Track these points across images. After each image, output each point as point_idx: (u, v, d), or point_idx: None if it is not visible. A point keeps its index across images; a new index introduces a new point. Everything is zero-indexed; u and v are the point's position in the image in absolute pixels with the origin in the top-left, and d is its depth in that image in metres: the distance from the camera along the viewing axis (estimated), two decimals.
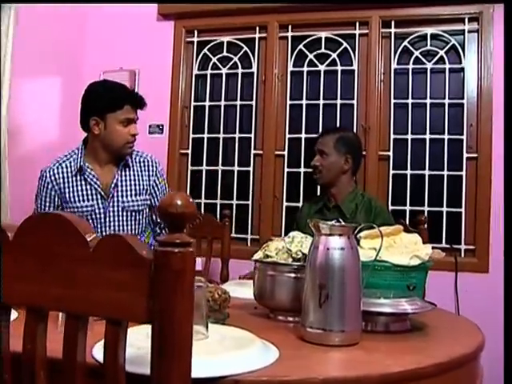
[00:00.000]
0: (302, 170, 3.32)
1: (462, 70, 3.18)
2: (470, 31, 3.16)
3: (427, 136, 3.20)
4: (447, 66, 3.20)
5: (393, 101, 3.27)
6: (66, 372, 0.84)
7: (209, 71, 3.58)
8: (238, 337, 1.13)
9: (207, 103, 3.57)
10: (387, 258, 1.64)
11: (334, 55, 3.38)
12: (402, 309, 1.39)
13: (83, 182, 2.19)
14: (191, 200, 0.78)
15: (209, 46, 3.58)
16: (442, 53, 3.21)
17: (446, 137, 3.16)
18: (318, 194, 2.98)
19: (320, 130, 3.31)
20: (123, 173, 2.23)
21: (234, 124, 3.51)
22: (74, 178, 2.20)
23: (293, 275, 1.47)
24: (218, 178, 3.52)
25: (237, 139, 3.50)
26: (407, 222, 3.00)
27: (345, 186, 2.48)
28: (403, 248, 1.67)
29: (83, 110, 2.21)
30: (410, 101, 3.24)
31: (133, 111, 2.18)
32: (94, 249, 0.80)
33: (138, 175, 2.24)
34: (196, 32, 3.60)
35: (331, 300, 1.22)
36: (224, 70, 3.56)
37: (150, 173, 2.26)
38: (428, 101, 3.21)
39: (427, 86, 3.22)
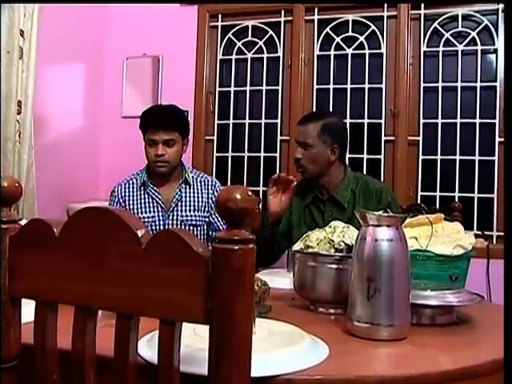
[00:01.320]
0: None
1: (495, 51, 3.09)
2: (504, 10, 3.05)
3: (458, 120, 3.12)
4: (479, 47, 3.11)
5: (422, 84, 3.19)
6: (117, 372, 0.81)
7: (233, 56, 3.53)
8: (286, 332, 1.10)
9: (232, 88, 3.52)
10: (429, 247, 1.59)
11: (362, 38, 3.30)
12: (448, 301, 1.34)
13: (146, 196, 2.39)
14: (250, 193, 0.74)
15: (233, 30, 3.53)
16: (473, 34, 3.12)
17: (477, 121, 3.08)
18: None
19: (348, 114, 3.26)
20: (183, 189, 2.40)
21: (260, 109, 3.46)
22: (138, 193, 2.40)
23: (335, 266, 1.43)
24: (243, 165, 3.49)
25: (263, 125, 3.45)
26: (437, 207, 2.96)
27: (334, 175, 2.21)
28: (445, 237, 1.62)
29: None
30: (440, 84, 3.16)
31: (156, 133, 2.31)
32: (147, 245, 0.76)
33: (198, 192, 2.42)
34: (220, 16, 3.54)
35: (380, 293, 1.17)
36: (249, 55, 3.51)
37: (210, 191, 2.43)
38: (459, 84, 3.13)
39: (458, 69, 3.14)
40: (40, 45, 2.84)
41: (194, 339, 0.99)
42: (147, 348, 1.01)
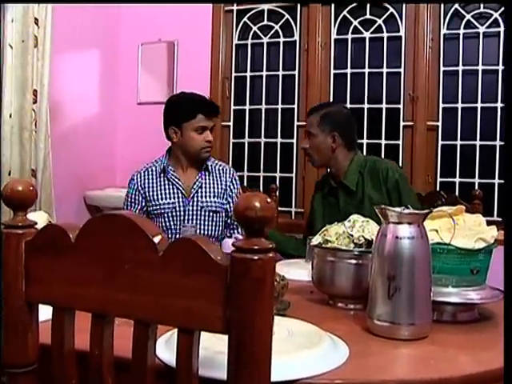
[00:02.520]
0: None
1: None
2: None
3: (479, 105, 3.05)
4: (502, 29, 3.02)
5: (442, 68, 3.12)
6: (135, 377, 0.80)
7: (249, 41, 3.49)
8: (305, 332, 1.08)
9: (248, 74, 3.49)
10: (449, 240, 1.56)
11: (380, 21, 3.23)
12: (469, 298, 1.32)
13: (166, 182, 2.40)
14: (269, 200, 0.72)
15: (249, 14, 3.48)
16: (496, 15, 3.03)
17: (499, 105, 3.01)
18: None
19: (366, 99, 3.23)
20: (204, 176, 2.42)
21: (277, 95, 3.43)
22: (158, 179, 2.40)
23: (354, 261, 1.41)
24: (260, 151, 3.46)
25: (279, 110, 3.42)
26: (457, 194, 2.91)
27: (341, 162, 2.28)
28: (467, 230, 1.58)
29: (164, 121, 2.41)
30: (460, 68, 3.09)
31: (206, 119, 2.35)
32: (164, 253, 0.75)
33: (217, 179, 2.43)
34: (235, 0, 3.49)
35: (401, 292, 1.15)
36: (265, 39, 3.46)
37: (227, 178, 2.45)
38: (480, 67, 3.06)
39: (479, 52, 3.06)
40: (55, 33, 2.82)
41: (213, 341, 0.97)
42: (165, 350, 1.00)
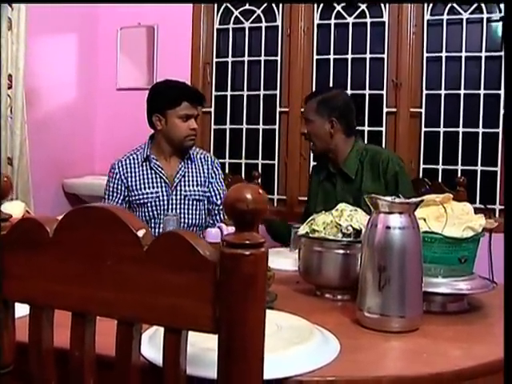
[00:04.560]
0: None
1: (502, 19, 2.98)
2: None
3: (462, 91, 3.04)
4: (485, 15, 3.00)
5: (425, 54, 3.10)
6: (118, 378, 0.76)
7: (231, 25, 3.42)
8: (295, 327, 1.05)
9: (230, 59, 3.43)
10: (438, 229, 1.54)
11: (363, 6, 3.19)
12: (459, 289, 1.29)
13: (149, 171, 2.35)
14: (261, 192, 0.68)
15: None
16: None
17: (481, 92, 3.00)
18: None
19: (349, 85, 3.19)
20: (187, 165, 2.39)
21: (259, 80, 3.37)
22: (140, 168, 2.35)
23: (341, 251, 1.38)
24: (242, 137, 3.41)
25: (261, 96, 3.37)
26: (439, 181, 2.91)
27: (341, 149, 2.27)
28: (455, 219, 1.56)
29: (147, 108, 2.38)
30: (443, 54, 3.07)
31: (192, 107, 2.32)
32: (149, 248, 0.70)
33: (199, 168, 2.41)
34: None
35: (391, 284, 1.12)
36: (247, 24, 3.39)
37: (209, 166, 2.43)
38: (463, 54, 3.04)
39: (463, 38, 3.04)
40: (30, 15, 2.73)
41: (199, 336, 0.94)
42: (149, 347, 0.96)
